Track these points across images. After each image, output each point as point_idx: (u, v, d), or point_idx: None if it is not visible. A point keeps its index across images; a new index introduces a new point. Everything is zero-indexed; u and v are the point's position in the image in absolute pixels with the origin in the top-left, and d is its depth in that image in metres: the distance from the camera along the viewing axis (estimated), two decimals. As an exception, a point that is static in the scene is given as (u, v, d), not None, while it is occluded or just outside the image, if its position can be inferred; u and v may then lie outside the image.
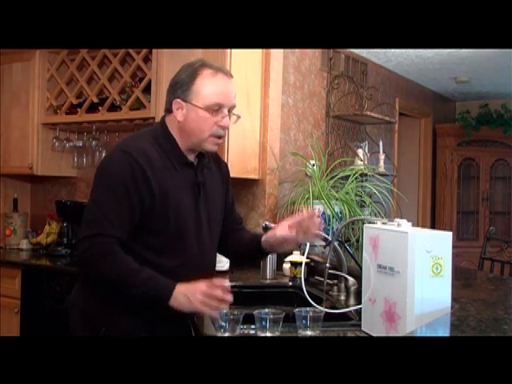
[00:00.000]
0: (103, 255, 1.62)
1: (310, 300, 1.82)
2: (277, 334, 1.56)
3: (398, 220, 1.51)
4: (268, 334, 1.55)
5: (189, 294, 1.55)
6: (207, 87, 1.71)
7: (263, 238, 1.87)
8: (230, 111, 1.76)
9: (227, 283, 1.58)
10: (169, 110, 1.77)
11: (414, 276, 1.40)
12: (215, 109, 1.71)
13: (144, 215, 1.68)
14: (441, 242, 1.43)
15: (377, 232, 1.55)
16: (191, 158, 1.79)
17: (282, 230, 1.82)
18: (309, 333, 1.58)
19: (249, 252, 1.96)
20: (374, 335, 1.57)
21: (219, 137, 1.75)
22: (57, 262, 3.42)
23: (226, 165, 2.02)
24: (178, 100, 1.73)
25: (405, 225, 1.49)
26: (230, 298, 1.54)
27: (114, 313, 1.71)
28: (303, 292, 1.87)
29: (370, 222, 1.65)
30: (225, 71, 1.77)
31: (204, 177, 1.82)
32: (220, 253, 2.12)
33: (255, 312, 1.58)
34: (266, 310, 1.60)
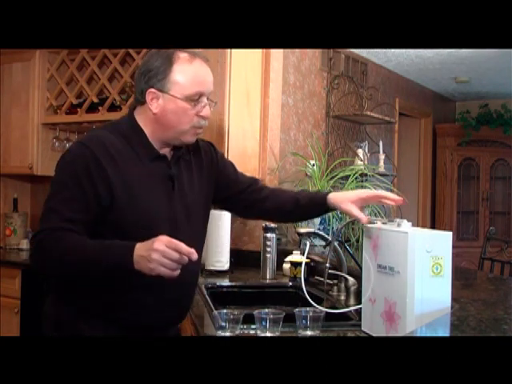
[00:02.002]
0: (50, 249, 1.49)
1: (310, 300, 1.82)
2: (277, 334, 1.56)
3: (398, 220, 1.51)
4: (268, 334, 1.55)
5: (146, 255, 1.38)
6: (186, 75, 1.58)
7: (331, 200, 1.79)
8: (208, 98, 1.64)
9: (188, 249, 1.38)
10: (140, 101, 1.63)
11: (414, 276, 1.39)
12: (195, 98, 1.59)
13: (104, 209, 1.54)
14: (441, 242, 1.43)
15: (377, 232, 1.55)
16: (165, 151, 1.66)
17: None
18: (309, 333, 1.58)
19: (309, 211, 1.91)
20: (373, 335, 1.57)
21: (200, 127, 1.64)
22: (57, 262, 3.42)
23: (209, 144, 1.85)
24: (153, 90, 1.59)
25: (405, 225, 1.49)
26: (193, 256, 1.38)
27: (89, 321, 1.58)
28: (303, 292, 1.87)
29: (370, 222, 1.65)
30: (201, 56, 1.64)
31: (180, 169, 1.69)
32: (259, 217, 2.16)
33: (255, 312, 1.58)
34: (266, 310, 1.60)
